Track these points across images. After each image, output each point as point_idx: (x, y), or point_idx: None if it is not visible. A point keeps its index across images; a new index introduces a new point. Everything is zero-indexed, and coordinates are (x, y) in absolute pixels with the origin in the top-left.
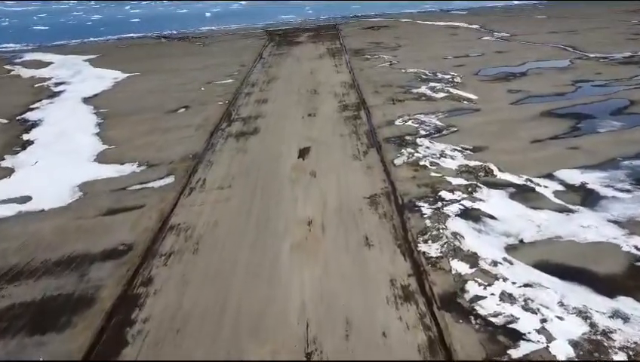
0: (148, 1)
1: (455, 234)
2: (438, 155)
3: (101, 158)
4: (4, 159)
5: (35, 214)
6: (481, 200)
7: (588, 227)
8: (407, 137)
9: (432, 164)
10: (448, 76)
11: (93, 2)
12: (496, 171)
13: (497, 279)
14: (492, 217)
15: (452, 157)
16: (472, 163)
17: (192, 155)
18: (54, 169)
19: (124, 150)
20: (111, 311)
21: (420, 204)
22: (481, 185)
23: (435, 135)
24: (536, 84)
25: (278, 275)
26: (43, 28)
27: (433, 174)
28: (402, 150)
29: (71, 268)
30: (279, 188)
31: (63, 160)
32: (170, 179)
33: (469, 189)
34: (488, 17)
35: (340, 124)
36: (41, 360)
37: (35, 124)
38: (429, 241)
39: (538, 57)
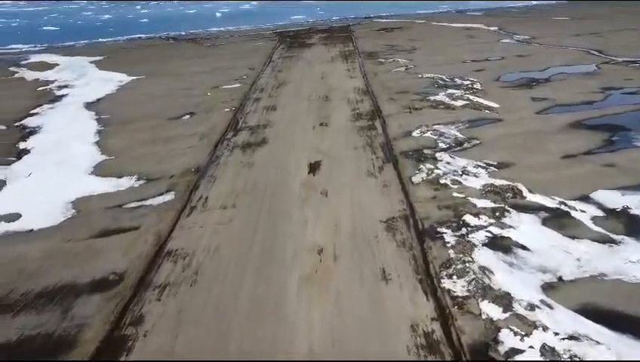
0: (158, 1)
1: (483, 269)
2: (460, 172)
3: (98, 171)
4: None
5: (22, 235)
6: (510, 226)
7: (637, 262)
8: (426, 151)
9: (453, 182)
10: (467, 82)
11: (104, 2)
12: (525, 192)
13: (536, 327)
14: (524, 248)
15: (475, 175)
16: (498, 182)
17: (194, 169)
18: (48, 182)
19: (123, 161)
20: (94, 356)
21: (442, 229)
22: (509, 208)
23: (456, 148)
24: (561, 91)
25: (285, 314)
26: (52, 28)
27: (455, 194)
28: (421, 166)
29: (54, 302)
30: (287, 209)
31: (58, 172)
32: (169, 196)
33: (497, 213)
34: (506, 18)
35: (353, 134)
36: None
37: (33, 131)
38: (454, 276)
39: (562, 62)
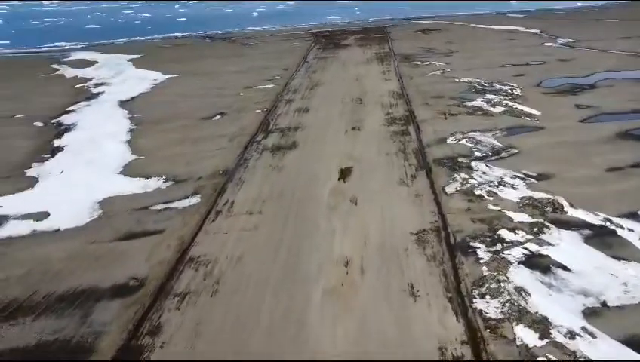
0: (197, 0)
1: (519, 290)
2: (497, 183)
3: (127, 170)
4: (31, 167)
5: (48, 235)
6: (549, 243)
7: None
8: (461, 159)
9: (489, 193)
10: (506, 87)
11: (144, 1)
12: (566, 206)
13: (576, 358)
14: (565, 268)
15: (513, 186)
16: (537, 194)
17: (222, 171)
18: (78, 181)
19: (151, 162)
20: None
21: (476, 244)
22: (549, 223)
23: (493, 157)
24: (608, 98)
25: (307, 331)
26: (94, 26)
27: (491, 207)
28: (455, 175)
29: (74, 306)
30: (315, 217)
31: (89, 171)
32: (195, 199)
33: (535, 229)
34: (549, 21)
35: (386, 140)
36: None
37: (68, 129)
38: (487, 296)
39: (608, 66)
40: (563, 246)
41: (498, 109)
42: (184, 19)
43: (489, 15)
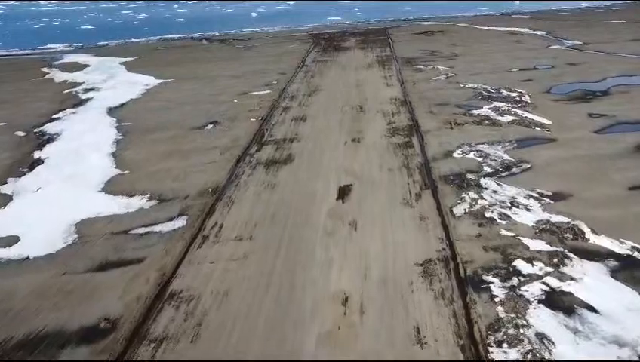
0: (196, 1)
1: (541, 337)
2: (509, 204)
3: (109, 187)
4: (5, 183)
5: (15, 265)
6: (571, 278)
7: None
8: (469, 176)
9: (501, 216)
10: (514, 94)
11: (143, 1)
12: (588, 233)
13: None
14: (592, 309)
15: (527, 208)
16: (555, 218)
17: (211, 189)
18: (55, 200)
19: (136, 178)
20: None
21: (489, 278)
22: (569, 253)
23: (503, 173)
24: (623, 105)
25: None
26: (90, 27)
27: (504, 232)
28: (463, 194)
29: (33, 355)
30: (311, 244)
31: (68, 187)
32: (181, 222)
33: (554, 260)
34: (555, 22)
35: (388, 153)
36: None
37: (51, 139)
38: (505, 344)
39: (620, 71)
40: (587, 281)
41: (507, 118)
42: (182, 19)
43: (492, 16)
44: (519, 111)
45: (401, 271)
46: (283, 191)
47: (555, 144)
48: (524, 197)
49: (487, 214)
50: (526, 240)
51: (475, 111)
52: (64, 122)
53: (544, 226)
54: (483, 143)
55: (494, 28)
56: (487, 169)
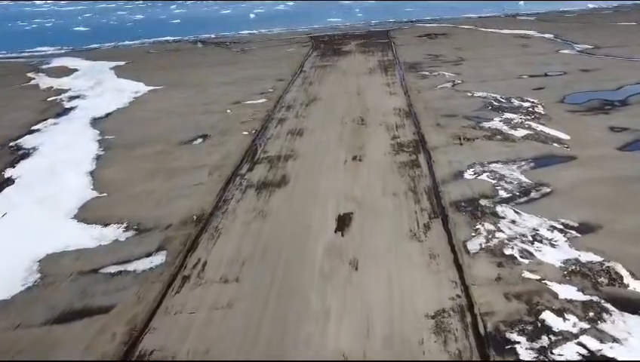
0: (194, 1)
1: None
2: (530, 237)
3: (84, 214)
4: None
5: None
6: (614, 338)
7: None
8: (483, 202)
9: (522, 253)
10: (527, 104)
11: (140, 1)
12: (626, 276)
13: None
14: None
15: (551, 243)
16: (585, 256)
17: (196, 217)
18: (22, 228)
19: (114, 202)
20: None
21: (514, 336)
22: (606, 304)
23: (521, 199)
24: None
25: None
26: (83, 29)
27: (527, 275)
28: (477, 225)
29: None
30: (305, 289)
31: (38, 213)
32: (160, 258)
33: (590, 312)
34: (562, 24)
35: (392, 174)
36: None
37: (26, 154)
38: None
39: (638, 78)
40: (634, 343)
41: (520, 133)
42: (178, 21)
43: (497, 17)
44: (533, 124)
45: (410, 326)
46: (275, 221)
47: (575, 163)
48: (548, 229)
49: (507, 251)
50: (554, 286)
51: (486, 124)
52: (43, 134)
53: (573, 267)
54: (496, 162)
55: (500, 30)
56: (503, 193)
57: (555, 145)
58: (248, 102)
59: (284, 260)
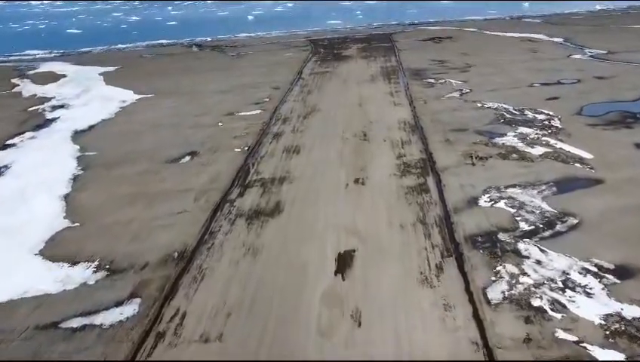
0: (191, 2)
1: None
2: (561, 283)
3: (50, 249)
4: None
5: None
6: None
7: None
8: (502, 236)
9: (553, 305)
10: (541, 116)
11: (137, 2)
12: None
13: None
14: None
15: (586, 291)
16: (628, 309)
17: (177, 254)
18: None
19: (86, 234)
20: None
21: None
22: None
23: (546, 233)
24: None
25: None
26: (76, 31)
27: (562, 334)
28: (498, 266)
29: None
30: (299, 352)
31: None
32: (132, 308)
33: None
34: (571, 27)
35: (398, 201)
36: None
37: None
38: None
39: None
40: None
41: (538, 150)
42: (174, 22)
43: (502, 20)
44: (551, 141)
45: None
46: (267, 260)
47: (603, 188)
48: (580, 273)
49: (535, 301)
50: (595, 351)
51: (499, 140)
52: (18, 150)
53: (617, 325)
54: (514, 186)
55: (507, 34)
56: (524, 226)
57: (578, 165)
58: (242, 113)
59: (275, 311)
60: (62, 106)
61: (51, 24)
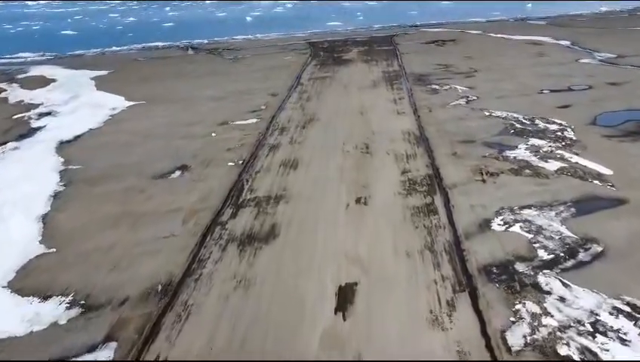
0: (191, 1)
1: None
2: (590, 326)
3: (21, 280)
4: None
5: None
6: None
7: None
8: (520, 267)
9: (584, 354)
10: (554, 127)
11: (135, 3)
12: None
13: None
14: None
15: (620, 336)
16: None
17: (161, 286)
18: None
19: (62, 262)
20: None
21: None
22: None
23: (568, 263)
24: None
25: None
26: (71, 33)
27: None
28: (517, 304)
29: None
30: None
31: None
32: (105, 354)
33: None
34: (577, 30)
35: (404, 224)
36: None
37: None
38: None
39: None
40: None
41: (553, 165)
42: (171, 24)
43: (506, 22)
44: (566, 154)
45: None
46: (260, 295)
47: (627, 209)
48: (611, 313)
49: (561, 349)
50: None
51: (510, 154)
52: None
53: None
54: (529, 207)
55: (511, 37)
56: (542, 254)
57: (597, 182)
58: (237, 122)
59: (269, 356)
60: (49, 114)
61: (46, 25)
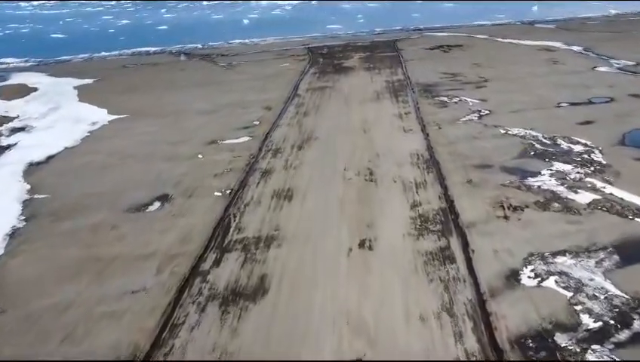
0: (187, 3)
1: None
2: None
3: None
4: None
5: None
6: None
7: None
8: (561, 340)
9: None
10: (578, 148)
11: (130, 4)
12: None
13: None
14: None
15: None
16: None
17: None
18: None
19: (3, 329)
20: None
21: None
22: None
23: (621, 335)
24: None
25: None
26: (60, 36)
27: None
28: None
29: None
30: None
31: None
32: None
33: None
34: (588, 34)
35: (416, 277)
36: None
37: None
38: None
39: None
40: None
41: (583, 197)
42: (165, 27)
43: (513, 25)
44: (597, 183)
45: None
46: None
47: None
48: None
49: None
50: None
51: (533, 182)
52: None
53: None
54: (563, 253)
55: (520, 42)
56: (587, 321)
57: (638, 220)
58: (227, 141)
59: None
60: (23, 129)
61: (36, 27)
